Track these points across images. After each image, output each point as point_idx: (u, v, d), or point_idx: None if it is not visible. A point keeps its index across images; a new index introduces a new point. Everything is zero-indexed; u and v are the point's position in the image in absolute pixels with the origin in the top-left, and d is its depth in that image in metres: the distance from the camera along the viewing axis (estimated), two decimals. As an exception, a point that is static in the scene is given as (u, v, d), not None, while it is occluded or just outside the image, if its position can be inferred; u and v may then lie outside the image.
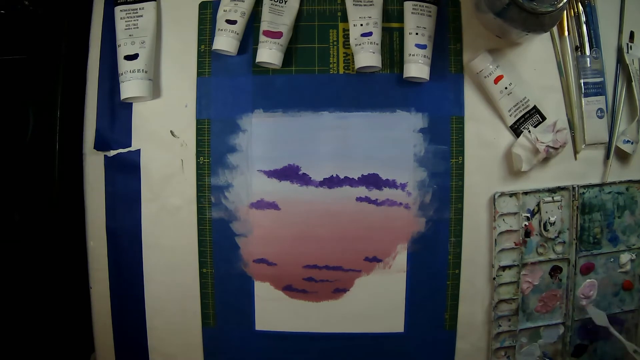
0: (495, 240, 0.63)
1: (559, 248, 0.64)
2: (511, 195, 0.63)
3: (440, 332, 0.64)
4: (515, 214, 0.63)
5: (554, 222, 0.63)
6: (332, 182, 0.63)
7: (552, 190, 0.63)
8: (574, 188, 0.63)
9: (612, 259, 0.65)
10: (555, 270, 0.64)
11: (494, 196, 0.62)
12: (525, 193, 0.63)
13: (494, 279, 0.63)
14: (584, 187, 0.63)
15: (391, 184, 0.63)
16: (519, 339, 0.65)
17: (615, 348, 0.67)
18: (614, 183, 0.64)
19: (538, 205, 0.63)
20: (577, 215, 0.63)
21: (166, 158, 0.64)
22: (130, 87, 0.61)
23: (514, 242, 0.63)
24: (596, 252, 0.65)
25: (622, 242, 0.65)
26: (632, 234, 0.65)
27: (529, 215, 0.63)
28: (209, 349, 0.65)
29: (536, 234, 0.63)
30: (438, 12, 0.62)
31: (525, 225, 0.63)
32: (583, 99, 0.63)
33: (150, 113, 0.64)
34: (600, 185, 0.64)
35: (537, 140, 0.61)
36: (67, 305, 0.67)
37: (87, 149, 0.64)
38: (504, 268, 0.63)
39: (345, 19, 0.63)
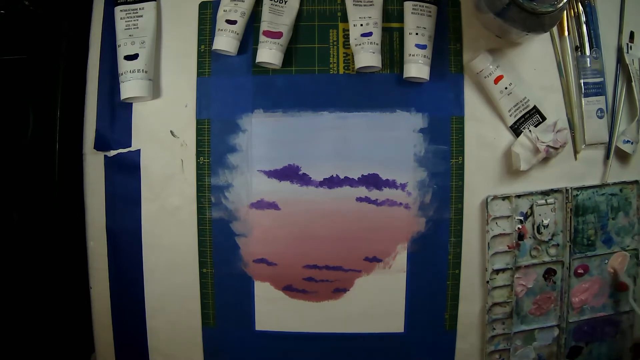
0: (489, 243, 0.62)
1: (552, 250, 0.64)
2: (504, 198, 0.62)
3: (440, 332, 0.64)
4: (508, 217, 0.63)
5: (547, 225, 0.63)
6: (332, 182, 0.63)
7: (545, 193, 0.63)
8: (567, 190, 0.63)
9: (606, 261, 0.65)
10: (549, 273, 0.64)
11: (487, 199, 0.62)
12: (518, 196, 0.62)
13: (488, 282, 0.63)
14: (577, 189, 0.63)
15: (391, 184, 0.63)
16: (514, 341, 0.65)
17: (611, 349, 0.67)
18: (607, 184, 0.64)
19: (531, 208, 0.63)
20: (570, 217, 0.63)
21: (166, 158, 0.64)
22: (130, 87, 0.61)
23: (507, 246, 0.63)
24: (590, 254, 0.64)
25: (617, 243, 0.65)
26: (626, 235, 0.65)
27: (521, 218, 0.63)
28: (209, 349, 0.65)
29: (530, 237, 0.63)
30: (438, 12, 0.62)
31: (518, 228, 0.63)
32: (583, 99, 0.63)
33: (150, 113, 0.64)
34: (594, 187, 0.64)
35: (538, 139, 0.61)
36: (67, 305, 0.67)
37: (87, 149, 0.64)
38: (497, 271, 0.63)
39: (345, 19, 0.63)
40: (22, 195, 0.64)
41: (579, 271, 0.64)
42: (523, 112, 0.62)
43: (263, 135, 0.63)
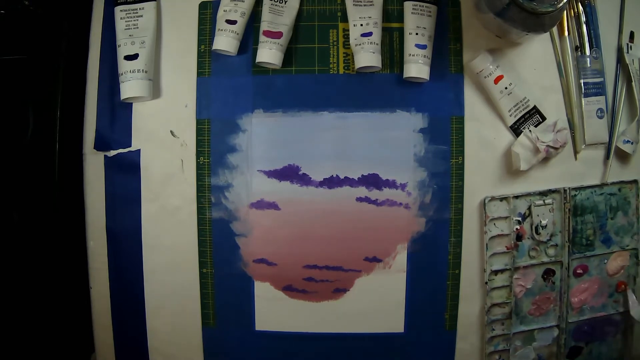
0: (487, 244, 0.62)
1: (551, 251, 0.64)
2: (502, 199, 0.62)
3: (440, 332, 0.64)
4: (506, 217, 0.62)
5: (546, 225, 0.63)
6: (332, 182, 0.63)
7: (543, 193, 0.63)
8: (565, 190, 0.63)
9: (605, 261, 0.65)
10: (548, 273, 0.64)
11: (484, 200, 0.62)
12: (516, 197, 0.62)
13: (486, 283, 0.63)
14: (576, 189, 0.63)
15: (391, 184, 0.63)
16: (513, 342, 0.64)
17: (611, 349, 0.67)
18: (606, 184, 0.64)
19: (529, 208, 0.63)
20: (569, 217, 0.63)
21: (166, 158, 0.64)
22: (130, 87, 0.61)
23: (506, 246, 0.63)
24: (589, 254, 0.64)
25: (616, 243, 0.65)
26: (625, 234, 0.65)
27: (519, 219, 0.63)
28: (209, 349, 0.65)
29: (528, 238, 0.63)
30: (438, 12, 0.62)
31: (516, 229, 0.63)
32: (583, 99, 0.63)
33: (150, 113, 0.64)
34: (592, 187, 0.64)
35: (538, 139, 0.61)
36: (67, 305, 0.67)
37: (87, 149, 0.64)
38: (496, 272, 0.63)
39: (345, 19, 0.63)
40: (22, 195, 0.64)
41: (578, 271, 0.64)
42: (523, 112, 0.62)
43: (263, 135, 0.63)
